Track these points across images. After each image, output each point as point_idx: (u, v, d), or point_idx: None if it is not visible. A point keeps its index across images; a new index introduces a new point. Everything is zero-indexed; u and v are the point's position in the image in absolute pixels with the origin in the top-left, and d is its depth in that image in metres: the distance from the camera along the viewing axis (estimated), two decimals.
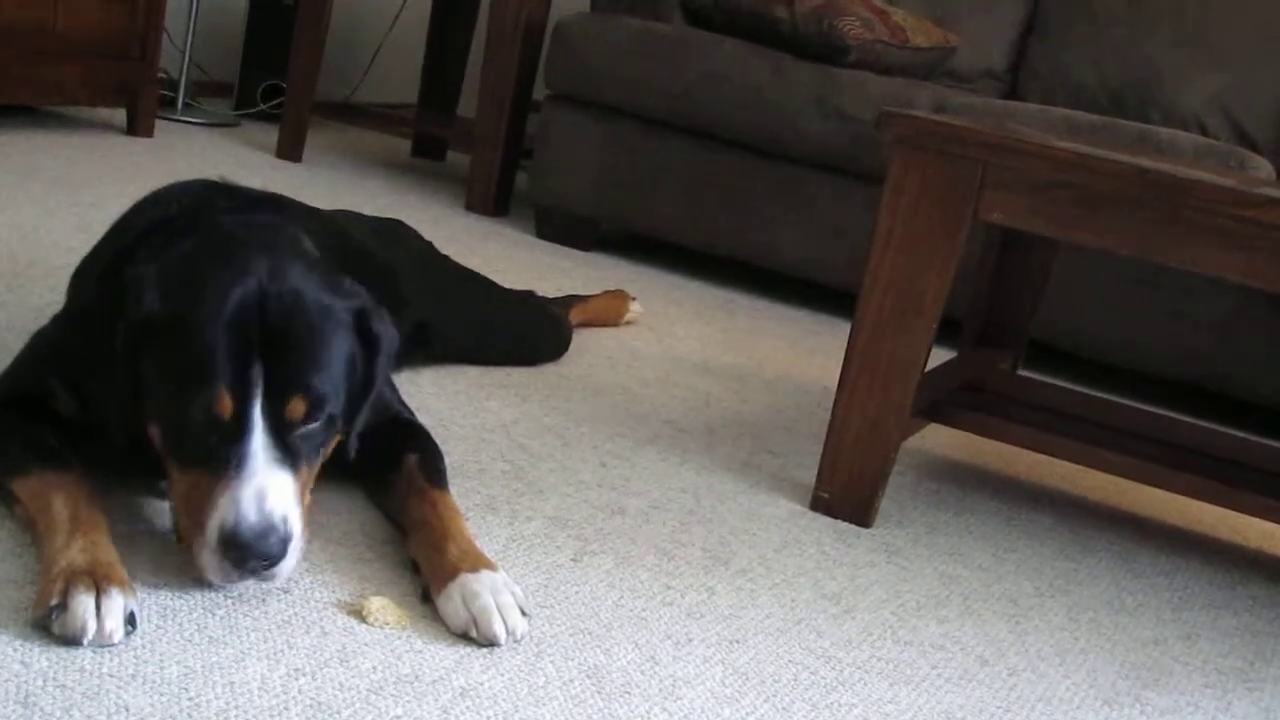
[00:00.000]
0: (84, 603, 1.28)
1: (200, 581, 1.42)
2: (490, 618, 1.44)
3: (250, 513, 1.36)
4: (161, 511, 1.58)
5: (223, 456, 1.38)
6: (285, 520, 1.38)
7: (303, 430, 1.44)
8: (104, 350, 1.42)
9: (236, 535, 1.36)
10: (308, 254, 1.55)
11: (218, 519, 1.37)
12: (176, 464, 1.42)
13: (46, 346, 1.65)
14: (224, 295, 1.41)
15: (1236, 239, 1.82)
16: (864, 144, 3.29)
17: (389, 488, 1.67)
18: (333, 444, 1.51)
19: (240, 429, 1.39)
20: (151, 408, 1.42)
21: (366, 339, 1.51)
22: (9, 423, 1.55)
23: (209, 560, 1.38)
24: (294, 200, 1.78)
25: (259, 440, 1.39)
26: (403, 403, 1.84)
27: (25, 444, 1.52)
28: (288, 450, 1.41)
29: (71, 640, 1.27)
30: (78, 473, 1.47)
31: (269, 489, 1.38)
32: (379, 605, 1.46)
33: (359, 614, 1.44)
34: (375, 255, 2.12)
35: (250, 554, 1.36)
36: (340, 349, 1.47)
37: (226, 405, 1.38)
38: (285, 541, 1.38)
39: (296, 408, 1.42)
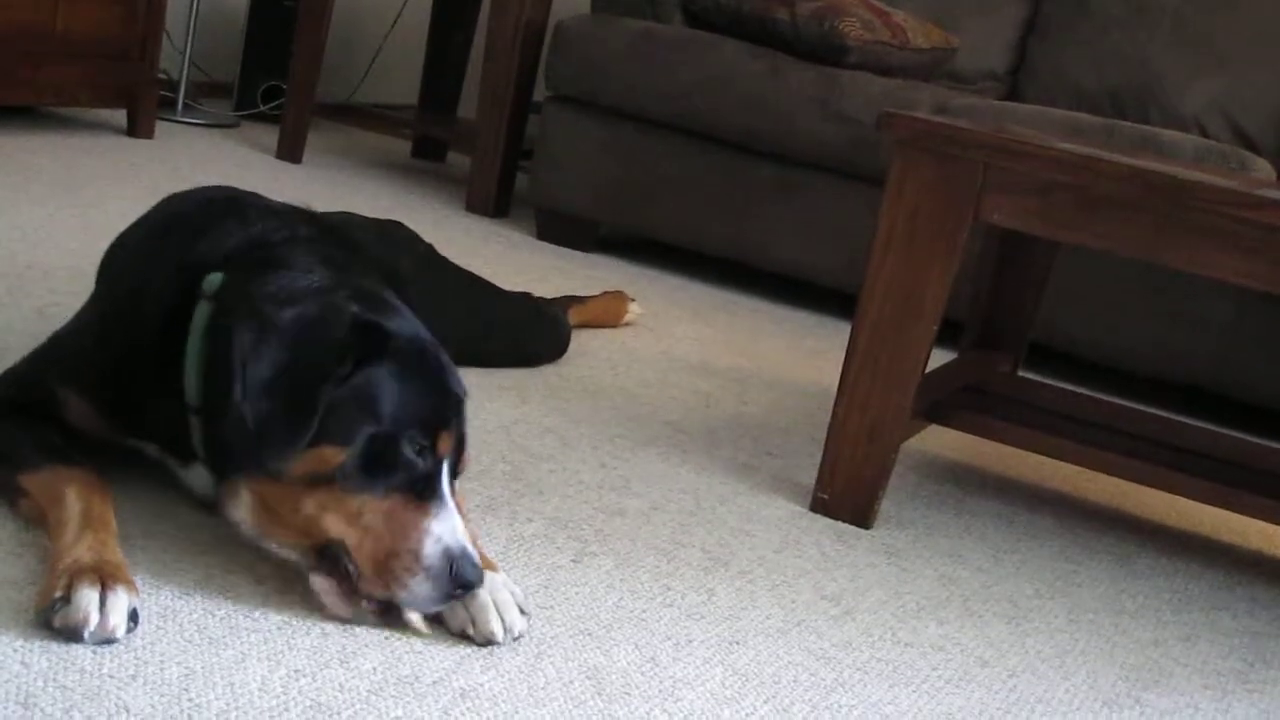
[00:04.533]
0: (88, 596, 1.28)
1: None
2: (487, 616, 1.44)
3: (466, 542, 1.42)
4: (175, 511, 1.59)
5: (424, 489, 1.42)
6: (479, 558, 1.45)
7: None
8: (304, 380, 1.39)
9: (465, 564, 1.40)
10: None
11: (438, 545, 1.40)
12: (360, 490, 1.41)
13: (65, 353, 1.63)
14: (431, 346, 1.49)
15: (1237, 240, 1.82)
16: (864, 145, 3.29)
17: None
18: None
19: (439, 469, 1.44)
20: (340, 432, 1.40)
21: None
22: (19, 421, 1.55)
23: (417, 587, 1.40)
24: (302, 208, 1.77)
25: (447, 481, 1.45)
26: None
27: (37, 440, 1.52)
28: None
29: (72, 633, 1.27)
30: (90, 470, 1.48)
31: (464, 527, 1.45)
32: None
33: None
34: (382, 261, 2.12)
35: (468, 582, 1.41)
36: None
37: (448, 442, 1.45)
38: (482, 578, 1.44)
39: (466, 460, 1.51)
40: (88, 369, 1.58)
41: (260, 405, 1.39)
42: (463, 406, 1.50)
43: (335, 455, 1.40)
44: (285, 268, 1.51)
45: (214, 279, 1.52)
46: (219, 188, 1.73)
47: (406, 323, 1.50)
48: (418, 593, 1.40)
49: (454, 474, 1.48)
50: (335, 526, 1.41)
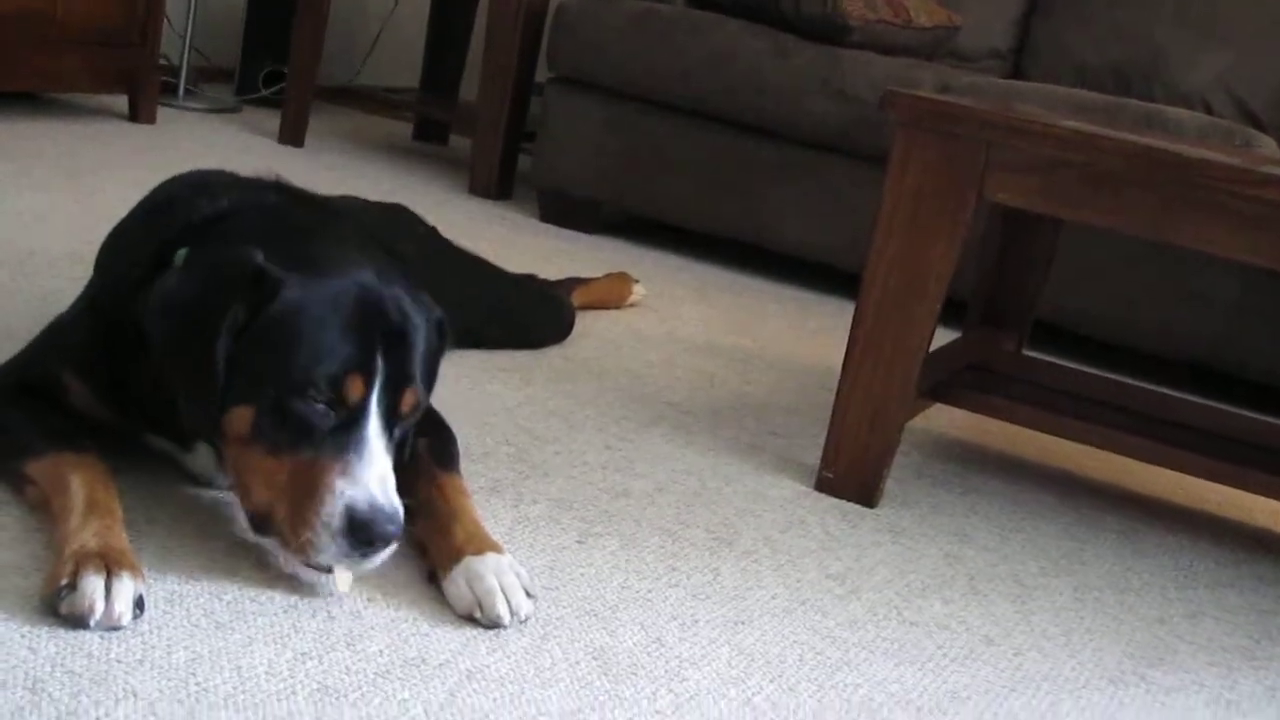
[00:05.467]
0: (94, 583, 1.29)
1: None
2: (494, 599, 1.45)
3: (379, 495, 1.38)
4: (180, 496, 1.59)
5: (338, 439, 1.39)
6: (400, 509, 1.40)
7: (403, 425, 1.47)
8: (204, 326, 1.39)
9: (369, 518, 1.37)
10: (392, 262, 1.57)
11: (341, 501, 1.37)
12: (271, 447, 1.40)
13: (63, 338, 1.64)
14: (347, 286, 1.44)
15: (1242, 217, 1.82)
16: (867, 125, 3.28)
17: (400, 471, 1.67)
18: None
19: (360, 415, 1.40)
20: (247, 388, 1.40)
21: (440, 345, 1.56)
22: (23, 407, 1.56)
23: (323, 542, 1.38)
24: (306, 191, 1.78)
25: (374, 427, 1.41)
26: None
27: (41, 428, 1.53)
28: (391, 439, 1.44)
29: (78, 620, 1.28)
30: (94, 456, 1.48)
31: (387, 475, 1.40)
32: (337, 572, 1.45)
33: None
34: (386, 244, 2.12)
35: (378, 536, 1.37)
36: (432, 355, 1.52)
37: (358, 389, 1.40)
38: (401, 529, 1.40)
39: (409, 400, 1.45)
40: (83, 352, 1.59)
41: (168, 374, 1.44)
42: (401, 341, 1.45)
43: (248, 414, 1.40)
44: (235, 234, 1.51)
45: (181, 254, 1.53)
46: (205, 170, 1.74)
47: (333, 267, 1.45)
48: (326, 549, 1.38)
49: (393, 419, 1.44)
50: (257, 488, 1.42)
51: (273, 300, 1.40)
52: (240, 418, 1.41)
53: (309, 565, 1.41)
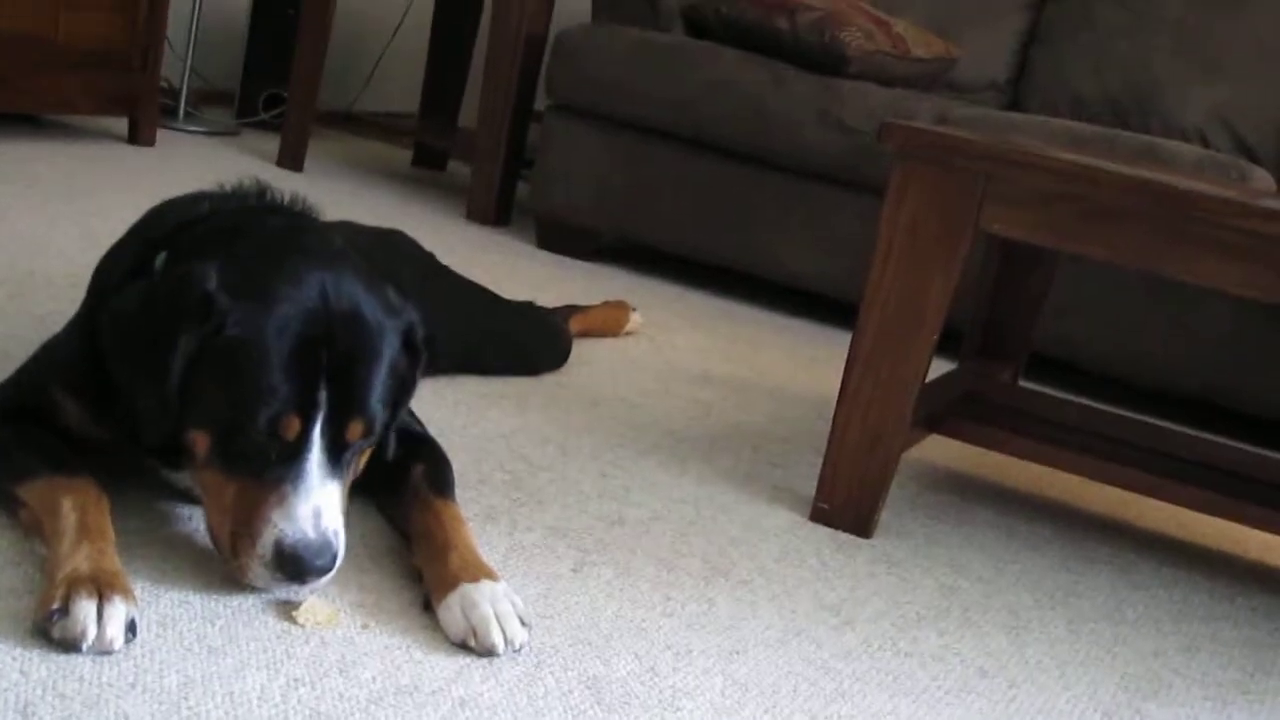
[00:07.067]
0: (85, 608, 1.28)
1: (237, 585, 1.46)
2: (488, 627, 1.44)
3: (309, 530, 1.40)
4: (173, 518, 1.59)
5: (278, 471, 1.42)
6: (336, 535, 1.43)
7: (355, 448, 1.49)
8: (153, 351, 1.42)
9: (296, 554, 1.40)
10: (359, 265, 1.57)
11: (273, 534, 1.40)
12: (223, 470, 1.44)
13: (55, 357, 1.65)
14: (294, 314, 1.43)
15: (1238, 250, 1.82)
16: (865, 155, 3.29)
17: (395, 498, 1.68)
18: (370, 451, 1.55)
19: (301, 448, 1.42)
20: (200, 414, 1.43)
21: (410, 351, 1.55)
22: (16, 430, 1.56)
23: (257, 570, 1.42)
24: (289, 196, 1.78)
25: (316, 458, 1.43)
26: (411, 413, 1.84)
27: (33, 450, 1.53)
28: (338, 464, 1.46)
29: (71, 645, 1.27)
30: (87, 479, 1.48)
31: (324, 507, 1.42)
32: (308, 605, 1.45)
33: (291, 618, 1.44)
34: (380, 268, 2.12)
35: (307, 571, 1.41)
36: (393, 369, 1.51)
37: (294, 428, 1.42)
38: (336, 556, 1.43)
39: (355, 430, 1.47)
40: (73, 371, 1.59)
41: (125, 388, 1.47)
42: (349, 369, 1.45)
43: (203, 439, 1.44)
44: (208, 239, 1.54)
45: (160, 258, 1.56)
46: (196, 192, 1.76)
47: (290, 284, 1.45)
48: (260, 575, 1.42)
49: (339, 445, 1.45)
50: (209, 506, 1.46)
51: (219, 332, 1.42)
52: (199, 441, 1.44)
53: (248, 585, 1.45)
